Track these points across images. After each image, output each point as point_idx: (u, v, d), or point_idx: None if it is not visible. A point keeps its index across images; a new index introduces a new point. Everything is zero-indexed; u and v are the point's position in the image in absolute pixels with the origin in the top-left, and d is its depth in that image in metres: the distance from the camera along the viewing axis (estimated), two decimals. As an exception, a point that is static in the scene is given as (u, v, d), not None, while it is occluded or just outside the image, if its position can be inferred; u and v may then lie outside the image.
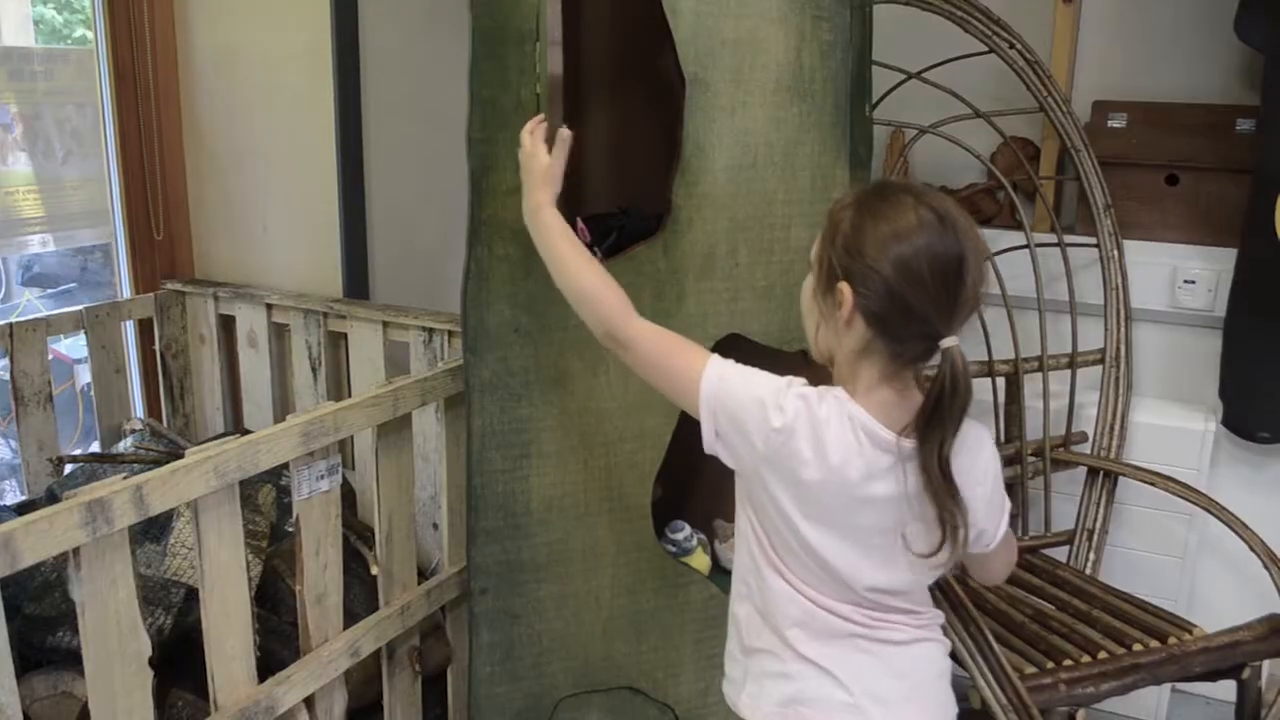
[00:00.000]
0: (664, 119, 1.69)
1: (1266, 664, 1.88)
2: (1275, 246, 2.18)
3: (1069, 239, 2.40)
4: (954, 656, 1.75)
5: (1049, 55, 2.45)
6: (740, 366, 1.22)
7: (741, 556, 1.29)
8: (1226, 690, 1.95)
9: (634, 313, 1.30)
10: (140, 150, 2.49)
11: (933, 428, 1.11)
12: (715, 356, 1.23)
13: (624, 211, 1.97)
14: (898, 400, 1.15)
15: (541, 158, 1.42)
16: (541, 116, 1.49)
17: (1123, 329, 2.36)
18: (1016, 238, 2.37)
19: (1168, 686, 2.44)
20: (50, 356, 2.29)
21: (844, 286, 1.12)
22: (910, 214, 1.11)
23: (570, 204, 1.66)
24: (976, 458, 1.19)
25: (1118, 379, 2.36)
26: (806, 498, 1.16)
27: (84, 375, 2.69)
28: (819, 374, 1.22)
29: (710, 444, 1.21)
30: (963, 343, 1.11)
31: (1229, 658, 1.82)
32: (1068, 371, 2.35)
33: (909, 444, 1.12)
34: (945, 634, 1.31)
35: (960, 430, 1.12)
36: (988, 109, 2.38)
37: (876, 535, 1.17)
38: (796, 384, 1.18)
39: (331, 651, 1.69)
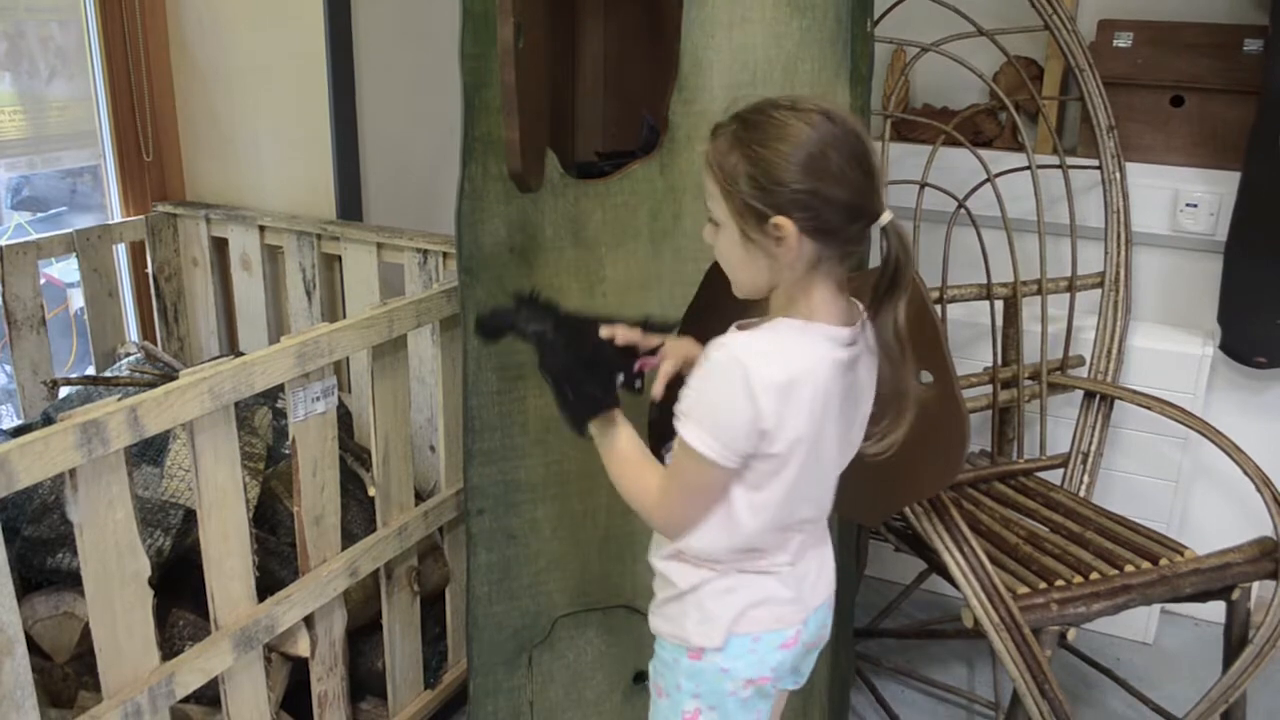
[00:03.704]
0: (661, 34, 1.65)
1: (1256, 586, 1.91)
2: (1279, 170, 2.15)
3: (1071, 161, 2.37)
4: (948, 577, 1.78)
5: (1055, -29, 2.40)
6: (700, 415, 1.20)
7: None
8: (1215, 611, 1.98)
9: (655, 488, 1.29)
10: (127, 69, 2.44)
11: (889, 299, 1.15)
12: (681, 440, 1.21)
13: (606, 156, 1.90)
14: (846, 301, 1.20)
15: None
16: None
17: (1123, 252, 2.35)
18: (1018, 159, 2.34)
19: (1157, 607, 2.49)
20: (42, 280, 2.27)
21: (780, 220, 1.12)
22: (794, 125, 1.12)
23: (564, 124, 1.63)
24: None
25: (1116, 303, 2.35)
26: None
27: (77, 299, 2.67)
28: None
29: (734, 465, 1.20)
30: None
31: (1219, 579, 1.84)
32: (1066, 295, 2.34)
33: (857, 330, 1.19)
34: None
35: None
36: (991, 27, 2.33)
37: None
38: (751, 371, 1.14)
39: (330, 571, 1.70)
